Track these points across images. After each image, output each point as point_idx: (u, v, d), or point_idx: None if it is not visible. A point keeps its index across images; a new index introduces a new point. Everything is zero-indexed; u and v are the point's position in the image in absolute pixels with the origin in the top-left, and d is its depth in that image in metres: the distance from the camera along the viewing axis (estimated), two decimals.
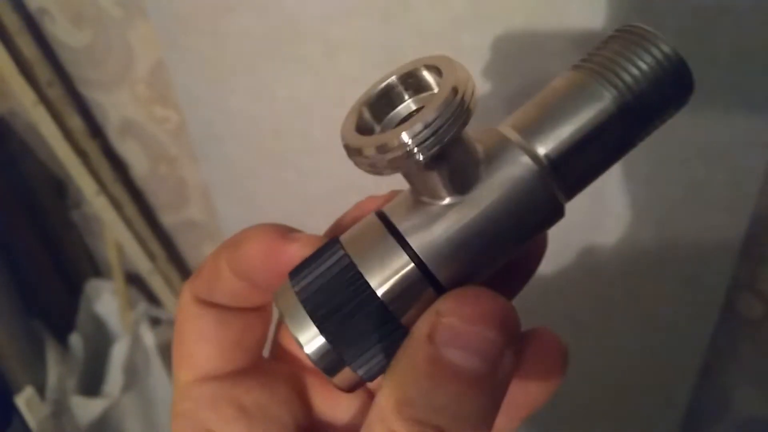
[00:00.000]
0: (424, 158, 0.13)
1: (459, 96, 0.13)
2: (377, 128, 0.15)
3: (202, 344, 0.18)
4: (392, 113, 0.16)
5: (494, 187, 0.15)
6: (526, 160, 0.15)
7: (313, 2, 0.48)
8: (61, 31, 0.68)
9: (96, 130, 0.75)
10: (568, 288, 0.53)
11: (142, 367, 0.82)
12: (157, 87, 0.67)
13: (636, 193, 0.46)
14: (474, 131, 0.16)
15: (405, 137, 0.13)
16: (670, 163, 0.44)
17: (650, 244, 0.48)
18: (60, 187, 0.86)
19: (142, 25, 0.63)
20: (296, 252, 0.16)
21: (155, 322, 0.85)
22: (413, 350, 0.14)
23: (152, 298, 0.86)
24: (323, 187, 0.56)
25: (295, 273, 0.15)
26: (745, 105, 0.41)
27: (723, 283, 0.48)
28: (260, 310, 0.19)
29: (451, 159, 0.14)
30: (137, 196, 0.80)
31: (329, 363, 0.14)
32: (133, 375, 0.81)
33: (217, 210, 0.68)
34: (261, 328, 0.19)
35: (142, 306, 0.84)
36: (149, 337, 0.82)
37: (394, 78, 0.16)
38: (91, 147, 0.73)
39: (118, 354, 0.82)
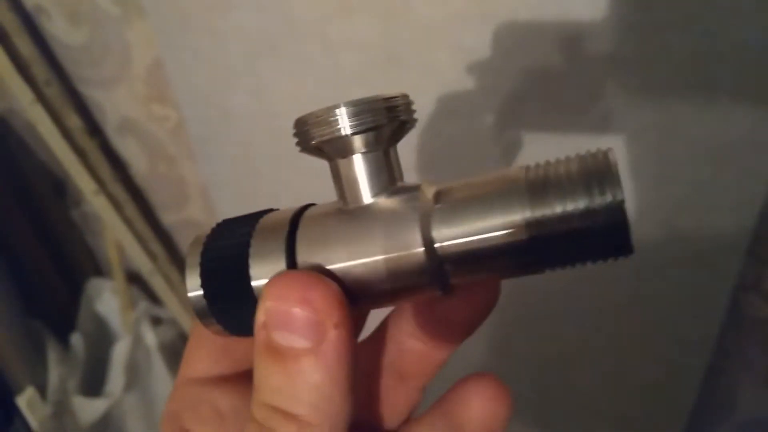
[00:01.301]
0: (345, 133, 0.15)
1: (389, 100, 0.16)
2: None
3: (197, 349, 0.20)
4: None
5: (378, 222, 0.15)
6: (416, 235, 0.15)
7: (312, 0, 0.47)
8: (59, 29, 0.67)
9: (94, 129, 0.74)
10: (572, 289, 0.52)
11: (144, 366, 0.82)
12: (156, 85, 0.67)
13: (642, 193, 0.46)
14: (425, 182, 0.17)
15: (338, 111, 0.16)
16: (676, 162, 0.44)
17: (656, 244, 0.47)
18: (59, 186, 0.86)
19: (140, 24, 0.62)
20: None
21: (156, 321, 0.85)
22: (255, 339, 0.15)
23: (153, 298, 0.85)
24: (322, 187, 0.56)
25: (213, 233, 0.17)
26: (752, 105, 0.40)
27: (729, 283, 0.48)
28: None
29: (367, 160, 0.16)
30: (137, 195, 0.79)
31: (200, 311, 0.17)
32: (135, 374, 0.81)
33: (216, 209, 0.68)
34: (249, 339, 0.20)
35: (143, 305, 0.84)
36: (150, 337, 0.82)
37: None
38: (90, 146, 0.72)
39: (120, 353, 0.81)
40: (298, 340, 0.14)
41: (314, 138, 0.16)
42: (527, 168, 0.15)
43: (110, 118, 0.73)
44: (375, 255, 0.15)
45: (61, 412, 0.75)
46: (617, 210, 0.14)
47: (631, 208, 0.47)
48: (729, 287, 0.48)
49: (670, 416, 0.58)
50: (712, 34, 0.39)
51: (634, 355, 0.55)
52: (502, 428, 0.18)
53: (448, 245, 0.15)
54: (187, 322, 0.82)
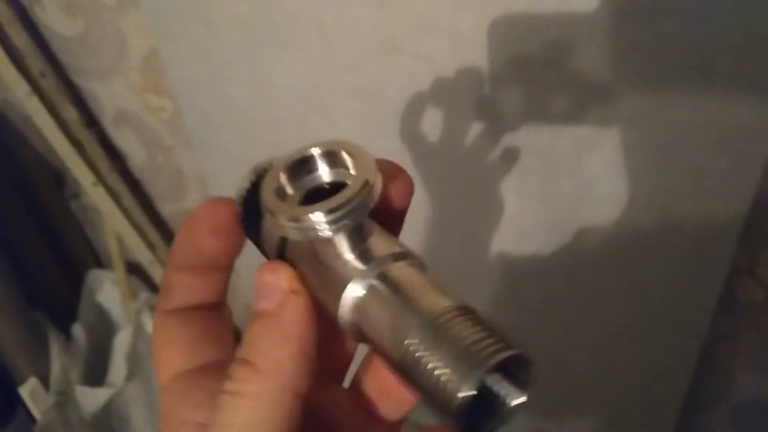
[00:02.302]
0: (324, 236, 0.16)
1: (366, 190, 0.16)
2: (290, 190, 0.18)
3: (169, 347, 0.20)
4: (307, 178, 0.18)
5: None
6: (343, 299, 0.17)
7: None
8: (53, 20, 0.67)
9: (91, 120, 0.74)
10: (569, 275, 0.53)
11: (145, 355, 0.82)
12: (151, 76, 0.67)
13: (637, 180, 0.46)
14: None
15: (314, 217, 0.16)
16: (669, 149, 0.44)
17: (650, 230, 0.48)
18: (58, 178, 0.86)
19: (135, 14, 0.62)
20: (203, 214, 0.19)
21: None
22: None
23: (153, 287, 0.86)
24: None
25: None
26: (747, 92, 0.40)
27: (723, 268, 0.48)
28: (216, 308, 0.21)
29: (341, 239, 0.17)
30: (135, 186, 0.80)
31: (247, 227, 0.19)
32: (137, 364, 0.81)
33: None
34: (221, 324, 0.21)
35: (144, 295, 0.85)
36: (151, 326, 0.83)
37: (315, 150, 0.18)
38: (87, 137, 0.72)
39: (121, 343, 0.82)
40: (266, 304, 0.17)
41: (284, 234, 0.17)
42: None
43: (106, 109, 0.73)
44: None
45: (64, 401, 0.76)
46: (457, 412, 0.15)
47: (626, 194, 0.47)
48: (723, 273, 0.48)
49: (666, 401, 0.58)
50: (708, 21, 0.39)
51: (629, 340, 0.55)
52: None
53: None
54: None
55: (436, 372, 0.15)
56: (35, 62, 0.67)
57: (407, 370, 0.16)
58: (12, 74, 0.66)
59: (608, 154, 0.46)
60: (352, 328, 0.17)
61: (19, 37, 0.66)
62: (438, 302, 0.16)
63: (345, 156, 0.17)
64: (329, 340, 0.20)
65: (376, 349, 0.17)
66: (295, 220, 0.16)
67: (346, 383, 0.21)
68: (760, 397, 0.58)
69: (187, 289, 0.20)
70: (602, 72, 0.43)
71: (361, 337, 0.17)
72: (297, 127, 0.55)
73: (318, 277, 0.18)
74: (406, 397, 0.19)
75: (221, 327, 0.21)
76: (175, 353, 0.20)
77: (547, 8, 0.41)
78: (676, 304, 0.51)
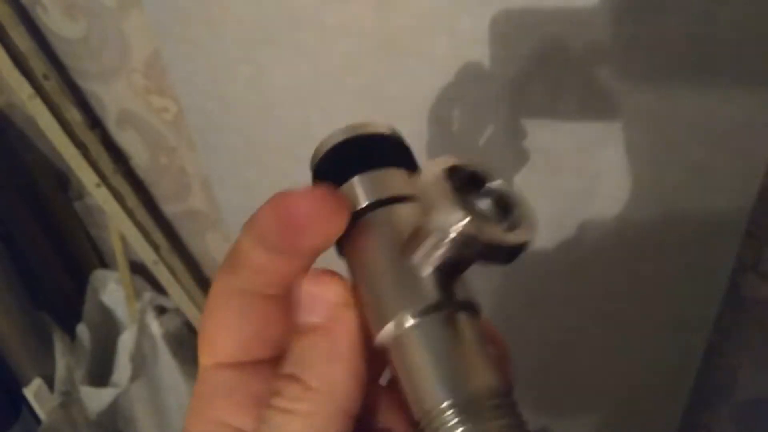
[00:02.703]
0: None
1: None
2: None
3: (224, 333, 0.19)
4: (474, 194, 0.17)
5: None
6: None
7: None
8: (55, 22, 0.67)
9: (94, 122, 0.75)
10: (571, 272, 0.53)
11: (150, 355, 0.83)
12: (154, 77, 0.67)
13: (638, 177, 0.46)
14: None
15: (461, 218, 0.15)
16: (672, 145, 0.44)
17: (654, 227, 0.48)
18: (62, 179, 0.86)
19: (137, 15, 0.62)
20: (299, 200, 0.17)
21: (161, 310, 0.86)
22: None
23: (158, 287, 0.86)
24: None
25: None
26: (748, 86, 0.40)
27: (727, 264, 0.48)
28: (281, 299, 0.19)
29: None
30: (139, 186, 0.80)
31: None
32: (141, 364, 0.82)
33: (216, 198, 0.68)
34: (282, 320, 0.19)
35: (148, 295, 0.85)
36: (155, 326, 0.83)
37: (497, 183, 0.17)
38: (90, 139, 0.72)
39: (126, 343, 0.82)
40: (314, 318, 0.17)
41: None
42: None
43: (110, 110, 0.73)
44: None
45: (69, 402, 0.76)
46: None
47: (629, 191, 0.47)
48: (727, 269, 0.48)
49: (670, 398, 0.58)
50: (710, 17, 0.38)
51: (633, 337, 0.55)
52: None
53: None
54: (191, 310, 0.83)
55: None
56: (38, 65, 0.67)
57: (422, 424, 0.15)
58: (15, 77, 0.66)
59: (610, 150, 0.46)
60: (381, 347, 0.16)
61: (22, 40, 0.66)
62: (486, 379, 0.15)
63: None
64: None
65: (399, 381, 0.16)
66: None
67: (383, 380, 0.20)
68: (765, 394, 0.58)
69: (263, 271, 0.18)
70: (604, 69, 0.43)
71: (388, 360, 0.16)
72: (298, 126, 0.56)
73: (381, 275, 0.16)
74: None
75: (282, 322, 0.19)
76: (227, 340, 0.19)
77: (547, 5, 0.41)
78: (681, 300, 0.51)
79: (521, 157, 0.49)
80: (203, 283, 0.87)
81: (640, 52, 0.41)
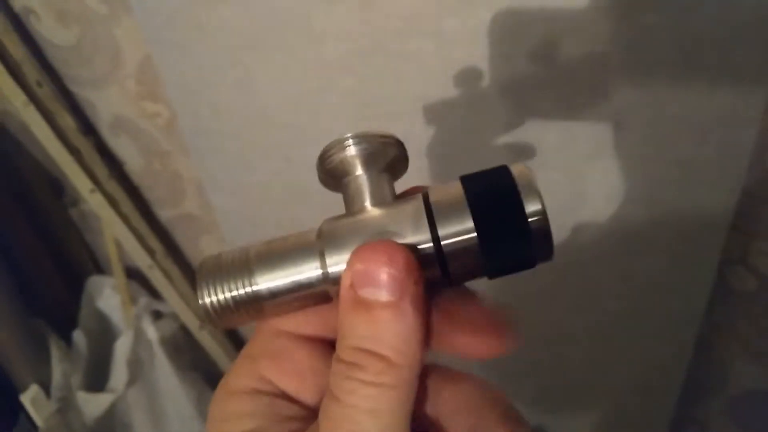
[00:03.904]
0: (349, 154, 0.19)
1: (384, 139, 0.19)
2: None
3: None
4: None
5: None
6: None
7: None
8: (48, 30, 0.67)
9: (88, 128, 0.75)
10: (560, 269, 0.53)
11: (146, 360, 0.83)
12: (146, 83, 0.67)
13: (625, 172, 0.46)
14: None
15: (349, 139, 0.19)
16: (658, 141, 0.44)
17: (641, 222, 0.48)
18: (56, 186, 0.87)
19: (128, 21, 0.63)
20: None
21: (157, 315, 0.86)
22: (342, 298, 0.18)
23: (153, 293, 0.86)
24: (315, 177, 0.56)
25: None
26: (731, 81, 0.40)
27: (715, 258, 0.48)
28: None
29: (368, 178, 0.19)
30: (133, 191, 0.80)
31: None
32: (138, 369, 0.82)
33: (210, 202, 0.69)
34: (335, 303, 0.21)
35: (144, 300, 0.85)
36: (152, 331, 0.83)
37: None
38: (84, 145, 0.73)
39: (122, 349, 0.82)
40: (384, 294, 0.17)
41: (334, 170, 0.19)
42: None
43: (103, 116, 0.74)
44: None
45: (66, 408, 0.76)
46: None
47: (616, 187, 0.47)
48: (715, 262, 0.48)
49: (663, 392, 0.58)
50: (691, 13, 0.39)
51: (624, 333, 0.56)
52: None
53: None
54: (187, 315, 0.83)
55: None
56: (31, 72, 0.68)
57: None
58: (9, 84, 0.66)
59: (596, 147, 0.46)
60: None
61: (14, 48, 0.66)
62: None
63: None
64: None
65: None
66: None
67: None
68: (756, 386, 0.58)
69: None
70: (588, 67, 0.44)
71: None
72: (288, 128, 0.56)
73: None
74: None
75: (334, 306, 0.21)
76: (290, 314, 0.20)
77: (532, 5, 0.42)
78: (670, 295, 0.51)
79: (507, 155, 0.49)
80: None
81: (624, 49, 0.42)
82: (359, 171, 0.19)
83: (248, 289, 0.19)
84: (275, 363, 0.20)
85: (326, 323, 0.21)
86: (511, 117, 0.48)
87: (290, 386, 0.20)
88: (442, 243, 0.18)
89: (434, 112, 0.50)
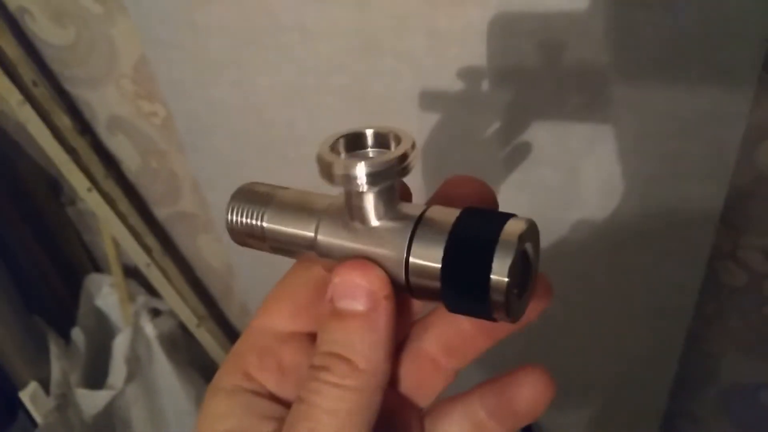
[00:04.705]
0: (362, 189, 0.18)
1: (403, 162, 0.19)
2: (343, 155, 0.20)
3: (280, 301, 0.22)
4: (358, 151, 0.21)
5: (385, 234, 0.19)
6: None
7: None
8: (43, 29, 0.68)
9: (84, 127, 0.75)
10: (550, 264, 0.54)
11: (145, 357, 0.84)
12: (142, 82, 0.68)
13: (614, 168, 0.47)
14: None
15: (360, 168, 0.18)
16: (646, 136, 0.45)
17: (630, 218, 0.49)
18: (53, 185, 0.87)
19: (123, 21, 0.63)
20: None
21: (155, 313, 0.86)
22: (324, 309, 0.19)
23: (151, 290, 0.87)
24: (309, 175, 0.57)
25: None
26: (719, 76, 0.41)
27: (704, 253, 0.49)
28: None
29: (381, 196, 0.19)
30: (130, 190, 0.81)
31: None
32: (136, 366, 0.82)
33: (207, 200, 0.69)
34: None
35: (142, 298, 0.86)
36: (150, 328, 0.84)
37: (369, 130, 0.21)
38: (81, 144, 0.73)
39: (120, 346, 0.83)
40: (357, 305, 0.19)
41: (336, 184, 0.19)
42: None
43: (99, 116, 0.74)
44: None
45: (65, 405, 0.77)
46: None
47: (605, 182, 0.48)
48: (705, 257, 0.49)
49: (654, 386, 0.59)
50: (676, 10, 0.39)
51: (614, 327, 0.56)
52: (542, 411, 0.22)
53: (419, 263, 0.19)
54: (185, 312, 0.84)
55: None
56: (27, 72, 0.68)
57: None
58: (5, 84, 0.67)
59: (586, 143, 0.47)
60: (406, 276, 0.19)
61: (10, 48, 0.67)
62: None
63: (390, 137, 0.20)
64: None
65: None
66: (346, 167, 0.18)
67: None
68: (746, 380, 0.59)
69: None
70: (578, 63, 0.44)
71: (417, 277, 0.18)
72: (283, 127, 0.56)
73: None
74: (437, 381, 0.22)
75: (321, 302, 0.22)
76: (281, 309, 0.22)
77: (523, 4, 0.42)
78: (659, 289, 0.52)
79: (500, 151, 0.50)
80: (196, 285, 0.88)
81: (610, 46, 0.42)
82: (362, 189, 0.19)
83: (257, 224, 0.21)
84: (259, 359, 0.21)
85: (314, 319, 0.21)
86: (504, 115, 0.48)
87: (270, 381, 0.21)
88: (410, 263, 0.18)
89: (428, 111, 0.50)
